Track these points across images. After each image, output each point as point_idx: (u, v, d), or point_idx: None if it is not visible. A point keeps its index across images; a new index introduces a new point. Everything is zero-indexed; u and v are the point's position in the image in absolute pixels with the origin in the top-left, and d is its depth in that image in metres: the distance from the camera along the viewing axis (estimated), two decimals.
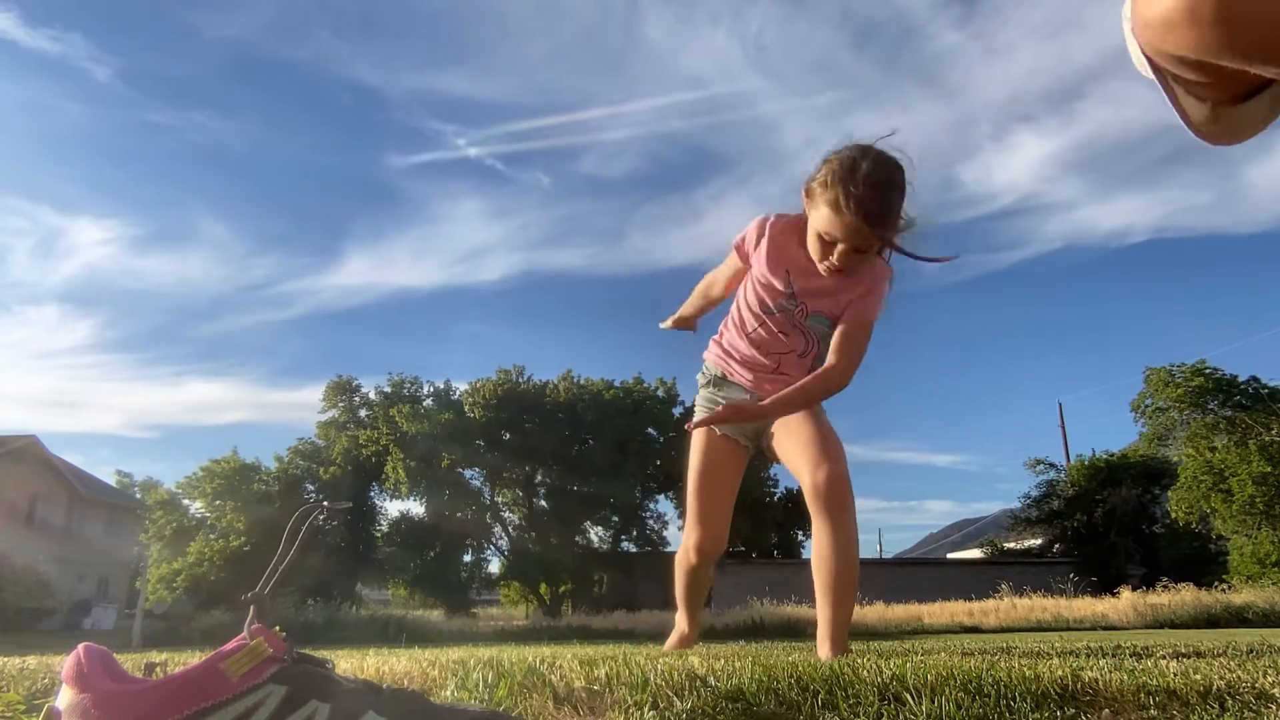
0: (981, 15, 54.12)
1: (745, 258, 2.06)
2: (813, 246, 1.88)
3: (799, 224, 1.96)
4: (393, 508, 28.76)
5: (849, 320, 1.95)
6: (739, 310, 2.14)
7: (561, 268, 52.97)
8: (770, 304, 2.02)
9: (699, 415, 2.17)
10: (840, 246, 1.82)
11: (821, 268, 1.90)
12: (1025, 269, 55.73)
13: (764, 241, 1.99)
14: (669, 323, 2.43)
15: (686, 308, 2.39)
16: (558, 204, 54.92)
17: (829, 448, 1.94)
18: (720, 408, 2.00)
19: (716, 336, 2.25)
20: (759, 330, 2.07)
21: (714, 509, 2.15)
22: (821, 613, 1.89)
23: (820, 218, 1.82)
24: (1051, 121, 53.19)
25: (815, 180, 1.85)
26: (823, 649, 1.84)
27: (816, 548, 1.92)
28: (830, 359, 1.95)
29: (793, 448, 2.01)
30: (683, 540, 2.23)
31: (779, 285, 1.99)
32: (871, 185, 1.74)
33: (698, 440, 2.17)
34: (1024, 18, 53.84)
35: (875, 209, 1.74)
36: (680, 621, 2.42)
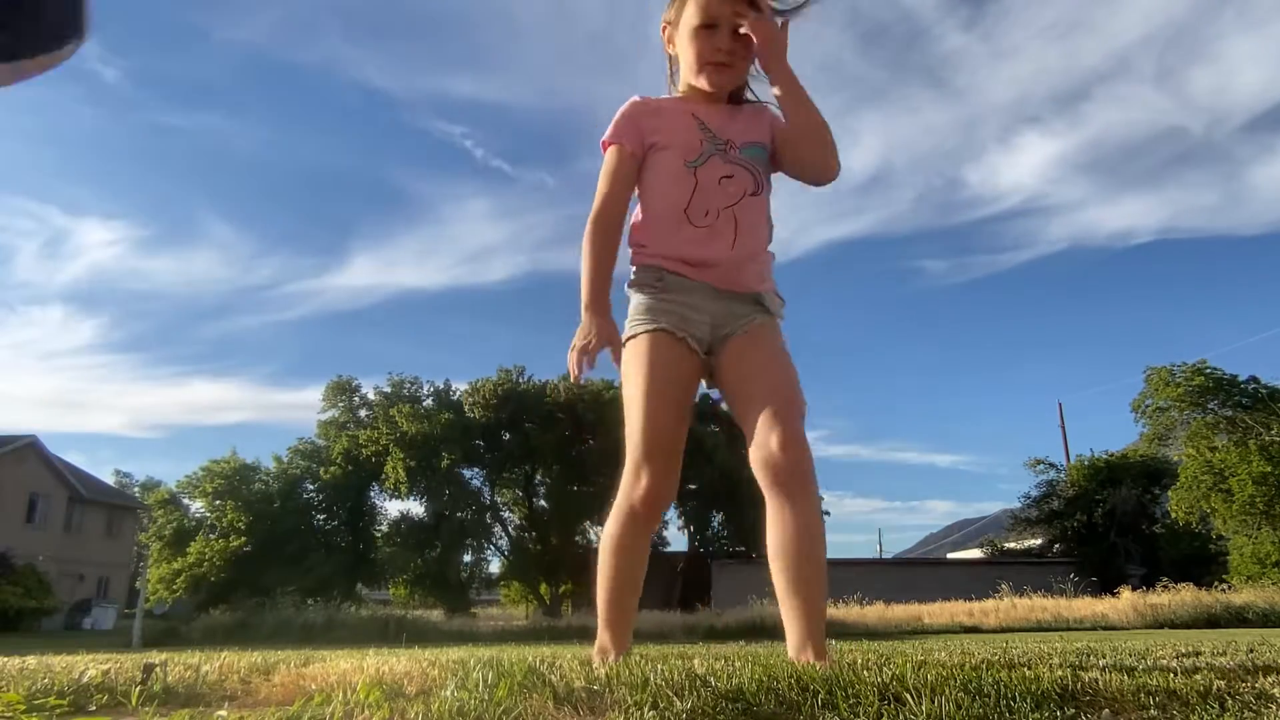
0: (989, 17, 54.23)
1: (638, 140, 1.75)
2: (692, 55, 1.72)
3: (664, 97, 1.85)
4: (393, 508, 28.75)
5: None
6: (659, 198, 1.73)
7: (566, 268, 53.20)
8: (696, 156, 1.70)
9: (639, 327, 1.69)
10: (721, 27, 1.69)
11: (708, 74, 1.73)
12: (1030, 269, 55.83)
13: (652, 110, 1.78)
14: (593, 360, 1.68)
15: (600, 295, 1.72)
16: (563, 204, 55.00)
17: (793, 410, 1.55)
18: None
19: (635, 256, 1.77)
20: (697, 191, 1.68)
21: (670, 437, 1.63)
22: (790, 614, 1.49)
23: (690, 12, 1.71)
24: (1058, 123, 53.30)
25: (670, 5, 1.79)
26: (804, 657, 1.44)
27: (774, 535, 1.52)
28: None
29: (747, 392, 1.60)
30: (624, 489, 1.66)
31: (694, 131, 1.72)
32: None
33: (641, 349, 1.67)
34: (1031, 20, 53.97)
35: None
36: (605, 635, 1.70)
